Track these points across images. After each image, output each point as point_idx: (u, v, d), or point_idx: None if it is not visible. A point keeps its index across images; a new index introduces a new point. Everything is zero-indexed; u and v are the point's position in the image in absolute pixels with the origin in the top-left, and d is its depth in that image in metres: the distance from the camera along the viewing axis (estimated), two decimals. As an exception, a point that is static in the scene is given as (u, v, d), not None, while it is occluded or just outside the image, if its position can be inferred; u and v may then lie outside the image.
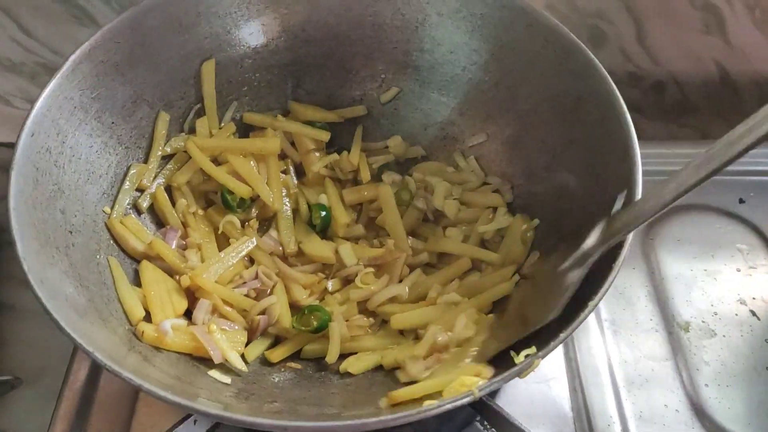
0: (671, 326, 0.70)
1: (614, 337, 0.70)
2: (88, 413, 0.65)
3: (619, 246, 0.49)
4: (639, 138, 0.54)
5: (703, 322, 0.71)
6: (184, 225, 0.67)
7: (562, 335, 0.46)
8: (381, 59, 0.72)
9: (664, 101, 0.92)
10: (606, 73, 0.58)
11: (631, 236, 0.50)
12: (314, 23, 0.69)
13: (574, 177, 0.60)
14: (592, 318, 0.71)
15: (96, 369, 0.67)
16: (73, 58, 0.58)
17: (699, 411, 0.65)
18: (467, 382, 0.47)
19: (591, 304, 0.47)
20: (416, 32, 0.69)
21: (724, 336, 0.70)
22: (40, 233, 0.53)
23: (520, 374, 0.46)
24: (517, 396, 0.65)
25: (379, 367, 0.60)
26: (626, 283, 0.74)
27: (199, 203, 0.69)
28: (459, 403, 0.44)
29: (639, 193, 0.52)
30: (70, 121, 0.59)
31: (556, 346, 0.46)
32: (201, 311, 0.61)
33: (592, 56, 0.59)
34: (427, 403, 0.44)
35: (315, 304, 0.64)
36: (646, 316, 0.71)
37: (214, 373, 0.57)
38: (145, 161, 0.67)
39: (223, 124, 0.71)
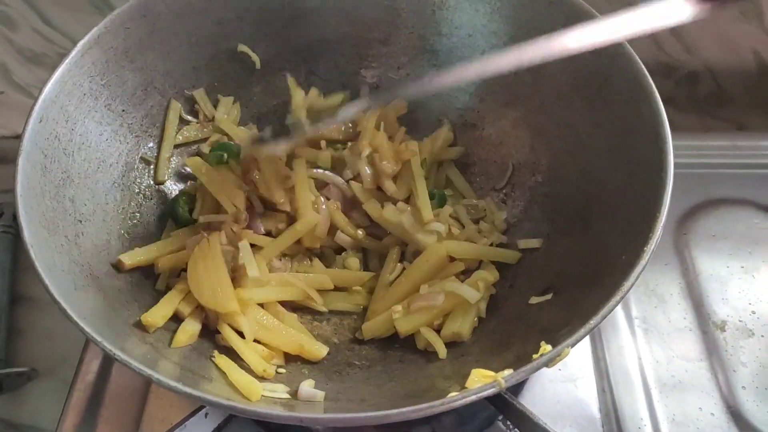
0: (706, 325, 0.67)
1: (645, 336, 0.66)
2: (100, 406, 0.64)
3: (651, 229, 0.46)
4: (671, 130, 0.51)
5: (740, 321, 0.67)
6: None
7: (591, 323, 0.44)
8: (397, 44, 0.70)
9: (698, 93, 0.89)
10: (632, 51, 0.55)
11: (663, 223, 0.47)
12: (329, 8, 0.68)
13: (601, 161, 0.57)
14: (621, 316, 0.68)
15: (108, 361, 0.66)
16: (82, 43, 0.58)
17: (735, 414, 0.61)
18: (491, 372, 0.44)
19: (622, 289, 0.44)
20: (433, 16, 0.67)
21: (762, 336, 0.66)
22: (49, 221, 0.52)
23: (548, 364, 0.43)
24: (542, 395, 0.62)
25: (396, 359, 0.59)
26: (658, 279, 0.70)
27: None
28: (484, 394, 0.42)
29: (670, 177, 0.49)
30: (80, 108, 0.58)
31: (585, 335, 0.43)
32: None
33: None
34: (452, 394, 0.42)
35: None
36: (679, 315, 0.68)
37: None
38: (157, 150, 0.66)
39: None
